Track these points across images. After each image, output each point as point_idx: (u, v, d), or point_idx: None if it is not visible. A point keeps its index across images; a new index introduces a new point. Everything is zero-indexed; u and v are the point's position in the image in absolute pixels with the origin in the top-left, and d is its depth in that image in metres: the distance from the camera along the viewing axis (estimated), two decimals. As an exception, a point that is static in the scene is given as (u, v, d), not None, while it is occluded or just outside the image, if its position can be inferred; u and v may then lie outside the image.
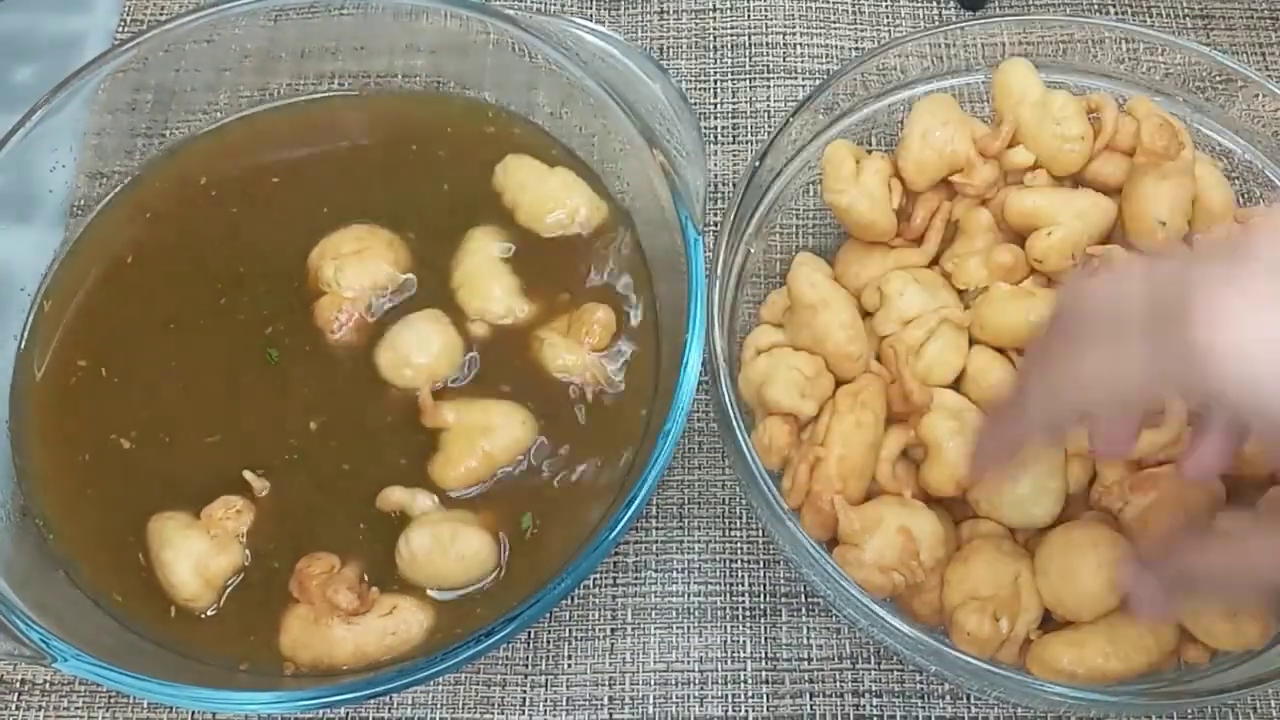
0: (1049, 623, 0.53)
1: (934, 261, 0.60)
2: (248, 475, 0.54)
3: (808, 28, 0.76)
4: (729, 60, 0.75)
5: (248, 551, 0.54)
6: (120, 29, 0.76)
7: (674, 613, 0.61)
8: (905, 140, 0.59)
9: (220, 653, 0.52)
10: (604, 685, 0.59)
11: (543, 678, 0.59)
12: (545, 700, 0.59)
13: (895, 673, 0.59)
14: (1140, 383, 0.41)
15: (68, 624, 0.50)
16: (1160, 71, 0.62)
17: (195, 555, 0.52)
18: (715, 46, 0.76)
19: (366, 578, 0.53)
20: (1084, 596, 0.51)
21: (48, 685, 0.59)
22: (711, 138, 0.73)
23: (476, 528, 0.53)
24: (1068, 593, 0.52)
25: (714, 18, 0.77)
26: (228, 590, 0.53)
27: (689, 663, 0.59)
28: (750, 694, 0.59)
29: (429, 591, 0.53)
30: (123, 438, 0.56)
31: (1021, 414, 0.47)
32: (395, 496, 0.54)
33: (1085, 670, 0.51)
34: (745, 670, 0.59)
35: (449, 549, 0.52)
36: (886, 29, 0.76)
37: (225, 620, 0.53)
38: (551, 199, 0.60)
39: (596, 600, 0.61)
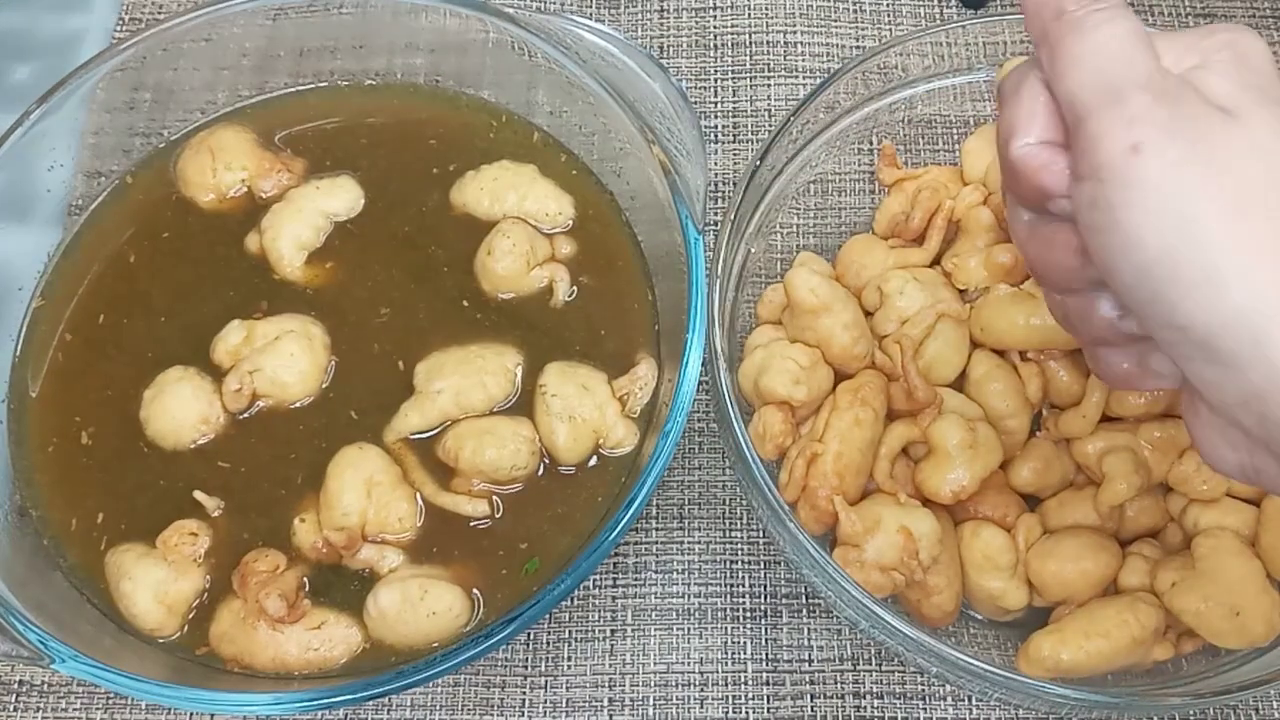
0: (1038, 626, 0.53)
1: (935, 261, 0.60)
2: (199, 496, 0.54)
3: (808, 26, 0.76)
4: (729, 59, 0.75)
5: (208, 576, 0.53)
6: (119, 28, 0.76)
7: (674, 614, 0.61)
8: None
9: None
10: (604, 687, 0.59)
11: (542, 679, 0.59)
12: (545, 702, 0.59)
13: (896, 674, 0.59)
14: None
15: (66, 625, 0.50)
16: (1162, 70, 0.62)
17: (154, 583, 0.52)
18: (715, 45, 0.75)
19: (309, 584, 0.52)
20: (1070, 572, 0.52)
21: (46, 686, 0.59)
22: (712, 136, 0.72)
23: (448, 583, 0.52)
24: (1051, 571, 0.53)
25: (714, 16, 0.76)
26: (192, 615, 0.52)
27: (689, 664, 0.59)
28: (751, 695, 0.59)
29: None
30: (121, 438, 0.56)
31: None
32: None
33: (1071, 655, 0.51)
34: (746, 671, 0.59)
35: (419, 606, 0.51)
36: (887, 27, 0.76)
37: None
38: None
39: (596, 601, 0.61)
